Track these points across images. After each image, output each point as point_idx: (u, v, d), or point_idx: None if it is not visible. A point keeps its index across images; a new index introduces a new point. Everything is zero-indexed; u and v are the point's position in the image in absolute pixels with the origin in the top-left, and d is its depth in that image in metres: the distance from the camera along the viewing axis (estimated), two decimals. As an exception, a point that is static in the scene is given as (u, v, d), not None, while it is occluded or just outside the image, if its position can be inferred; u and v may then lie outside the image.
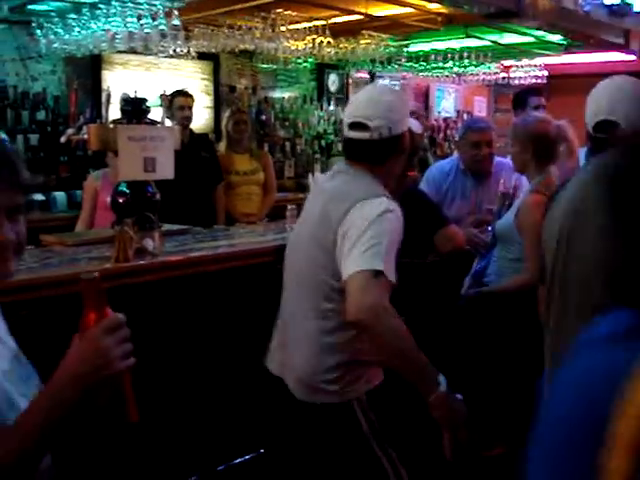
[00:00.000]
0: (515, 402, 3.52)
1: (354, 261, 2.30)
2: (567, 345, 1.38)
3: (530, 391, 3.51)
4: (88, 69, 6.67)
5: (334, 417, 2.47)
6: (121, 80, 6.77)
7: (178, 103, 5.70)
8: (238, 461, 3.63)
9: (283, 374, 2.60)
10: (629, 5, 7.17)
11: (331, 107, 8.77)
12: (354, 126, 2.55)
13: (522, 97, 5.49)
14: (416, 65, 8.01)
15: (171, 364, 3.26)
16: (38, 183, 5.50)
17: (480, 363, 3.62)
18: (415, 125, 2.84)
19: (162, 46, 5.18)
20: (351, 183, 2.54)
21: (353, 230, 2.35)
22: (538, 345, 3.26)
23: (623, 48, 7.42)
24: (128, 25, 4.79)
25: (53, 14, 5.34)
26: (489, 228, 3.85)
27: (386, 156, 2.56)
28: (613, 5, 6.97)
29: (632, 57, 7.92)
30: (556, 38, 7.30)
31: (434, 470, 3.50)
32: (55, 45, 5.37)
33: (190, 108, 5.79)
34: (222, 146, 6.00)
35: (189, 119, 5.77)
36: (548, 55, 8.08)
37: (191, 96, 5.90)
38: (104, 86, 6.58)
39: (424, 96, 10.36)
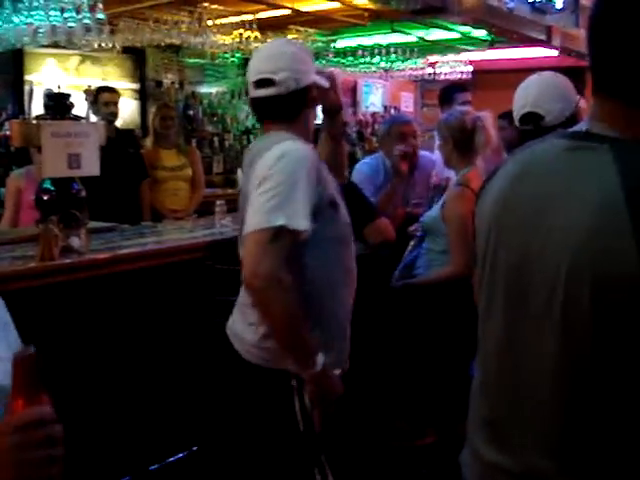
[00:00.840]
0: (446, 391, 3.58)
1: (252, 217, 2.22)
2: (494, 332, 1.40)
3: (460, 380, 3.57)
4: (10, 64, 6.52)
5: (270, 384, 2.44)
6: (44, 75, 6.63)
7: (103, 99, 5.61)
8: (171, 460, 3.60)
9: (230, 334, 2.57)
10: (551, 2, 7.34)
11: (259, 102, 8.72)
12: (260, 84, 2.44)
13: (448, 93, 5.56)
14: (344, 60, 8.04)
15: (100, 363, 3.21)
16: None
17: (410, 353, 3.67)
18: (323, 81, 2.66)
19: (86, 40, 5.08)
20: (257, 147, 2.45)
21: (254, 182, 2.28)
22: (466, 335, 3.31)
23: (545, 44, 7.59)
24: (51, 19, 4.69)
25: (-27, 7, 5.20)
26: (420, 220, 3.90)
27: (297, 110, 2.46)
28: (536, 2, 7.12)
29: (554, 52, 8.10)
30: (481, 34, 7.42)
31: (366, 459, 3.54)
32: (-25, 39, 5.23)
33: (116, 104, 5.70)
34: (149, 141, 5.94)
35: (115, 115, 5.69)
36: (473, 51, 8.20)
37: (117, 92, 5.81)
38: (26, 81, 6.44)
39: (352, 91, 10.40)
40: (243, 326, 2.49)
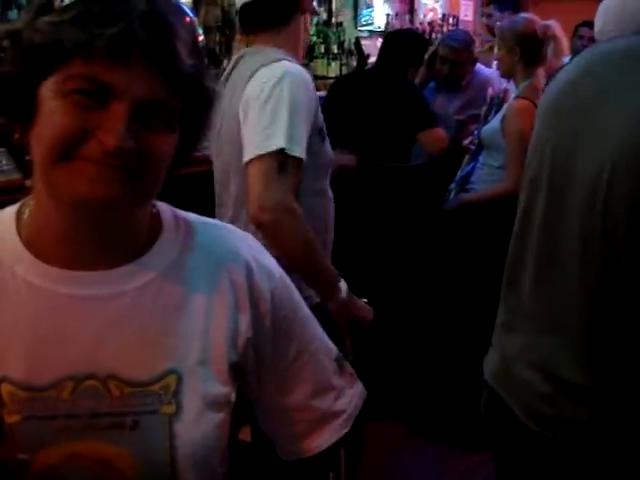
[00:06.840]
0: (490, 305, 3.55)
1: (252, 141, 2.05)
2: (536, 215, 1.39)
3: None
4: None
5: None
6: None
7: None
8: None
9: None
10: None
11: None
12: None
13: None
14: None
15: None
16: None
17: (458, 269, 3.65)
18: None
19: None
20: (249, 62, 2.24)
21: (251, 102, 2.10)
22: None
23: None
24: None
25: None
26: (475, 133, 3.81)
27: (286, 15, 2.26)
28: None
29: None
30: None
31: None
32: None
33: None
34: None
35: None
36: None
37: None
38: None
39: (410, -1, 10.11)
40: None
